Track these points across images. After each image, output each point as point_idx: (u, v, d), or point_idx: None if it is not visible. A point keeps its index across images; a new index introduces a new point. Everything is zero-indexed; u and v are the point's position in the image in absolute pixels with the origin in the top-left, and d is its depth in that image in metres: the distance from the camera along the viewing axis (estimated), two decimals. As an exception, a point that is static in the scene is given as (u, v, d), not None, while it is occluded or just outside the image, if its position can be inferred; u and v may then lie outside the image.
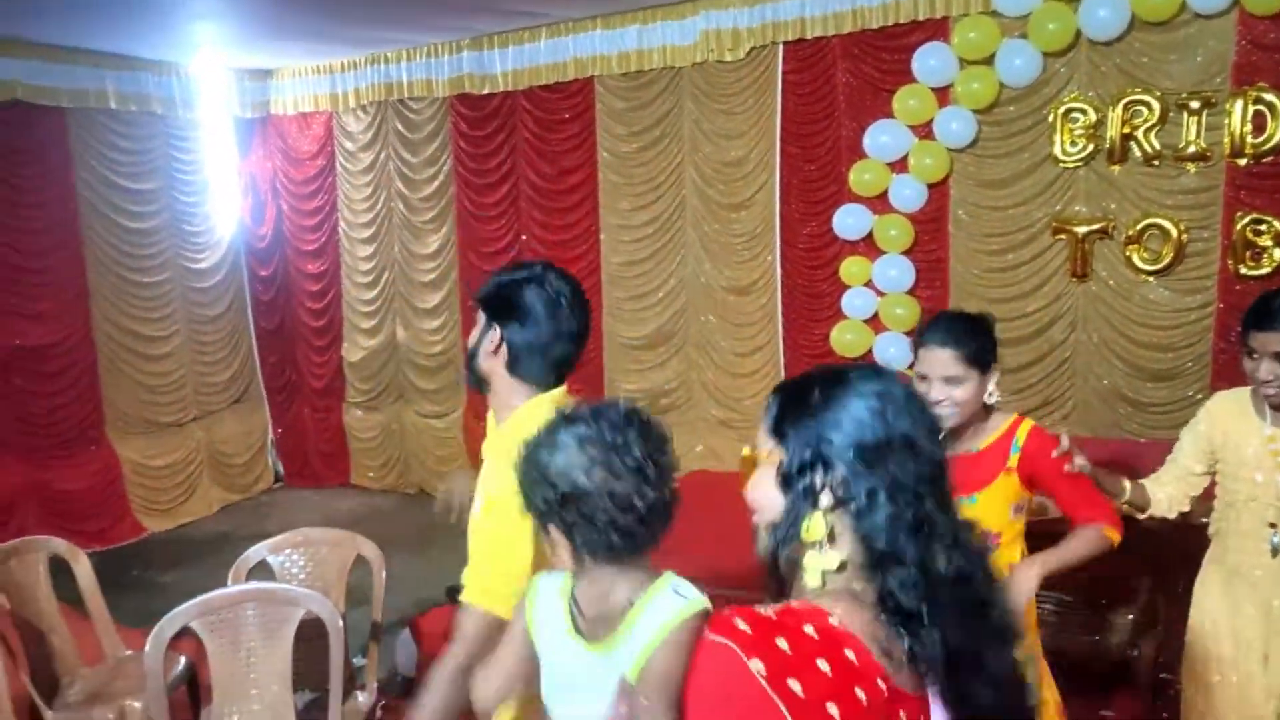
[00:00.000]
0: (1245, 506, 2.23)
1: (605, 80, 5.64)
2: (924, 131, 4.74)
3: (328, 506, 6.50)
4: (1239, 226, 4.11)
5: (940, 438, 1.07)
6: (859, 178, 4.90)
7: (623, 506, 1.18)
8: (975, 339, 2.05)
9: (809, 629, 0.96)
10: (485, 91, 6.00)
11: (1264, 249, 4.08)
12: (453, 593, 3.82)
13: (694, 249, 5.59)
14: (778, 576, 1.07)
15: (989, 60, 4.51)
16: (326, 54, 6.32)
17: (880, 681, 0.97)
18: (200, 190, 6.56)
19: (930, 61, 4.63)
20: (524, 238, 6.12)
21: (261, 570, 2.99)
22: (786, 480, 1.04)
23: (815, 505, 1.02)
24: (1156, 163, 4.27)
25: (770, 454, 1.07)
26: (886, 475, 1.01)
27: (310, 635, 2.63)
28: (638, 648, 1.15)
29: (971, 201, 4.77)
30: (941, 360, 2.02)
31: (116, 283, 6.04)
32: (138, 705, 2.83)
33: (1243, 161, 4.08)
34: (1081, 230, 4.47)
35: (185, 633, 2.50)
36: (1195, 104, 4.13)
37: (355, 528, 3.42)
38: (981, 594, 1.03)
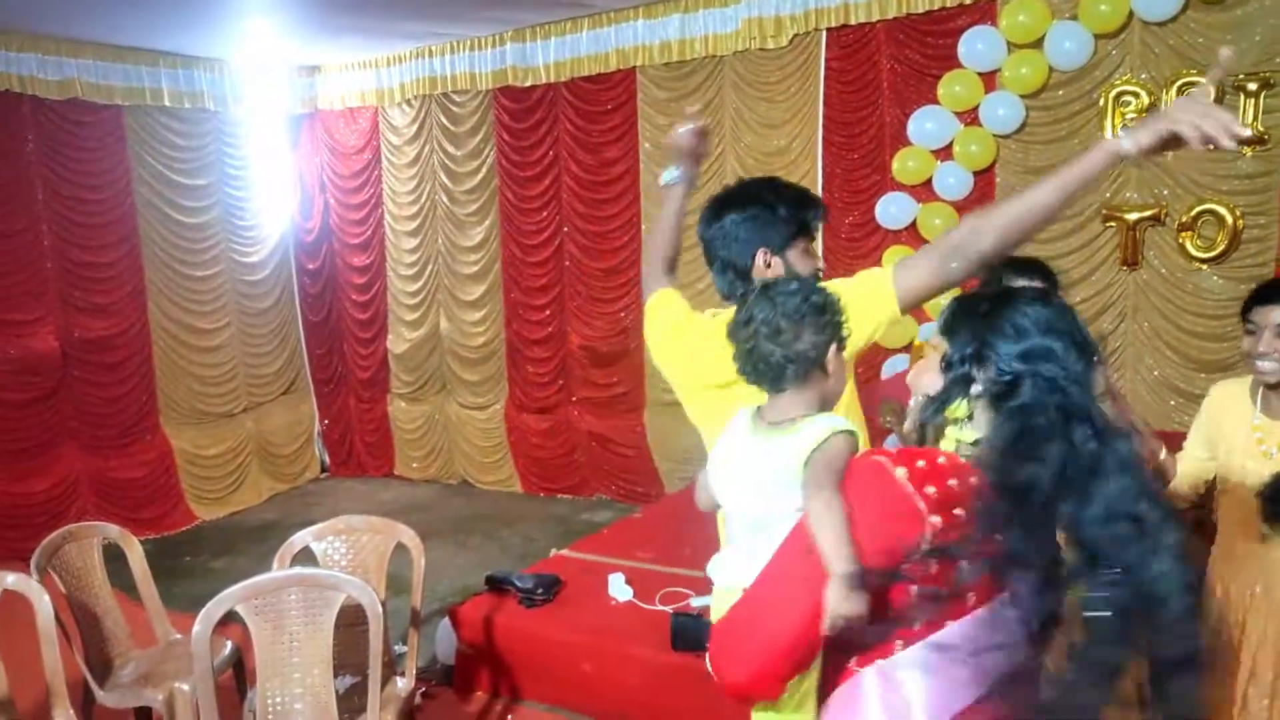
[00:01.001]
0: (1234, 492, 2.19)
1: (647, 70, 5.63)
2: (970, 118, 4.65)
3: (372, 496, 6.61)
4: (1299, 212, 3.98)
5: (1095, 359, 1.21)
6: (903, 166, 4.82)
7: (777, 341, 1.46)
8: None
9: (942, 459, 1.19)
10: (528, 84, 6.02)
11: (1325, 235, 3.95)
12: (492, 581, 3.87)
13: (735, 239, 5.55)
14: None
15: (1038, 43, 4.42)
16: (372, 49, 6.40)
17: None
18: (251, 185, 6.69)
19: (977, 46, 4.54)
20: (566, 229, 6.14)
21: (305, 556, 3.05)
22: (948, 367, 1.25)
23: (967, 391, 1.22)
24: (1211, 147, 4.13)
25: (936, 346, 1.28)
26: (1031, 373, 1.18)
27: (351, 621, 2.68)
28: (806, 446, 1.40)
29: (1018, 189, 4.66)
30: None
31: (171, 277, 6.20)
32: (185, 687, 2.90)
33: (1303, 144, 3.95)
34: (1132, 217, 4.36)
35: (233, 618, 2.56)
36: (1253, 85, 4.00)
37: (398, 517, 3.47)
38: (1115, 484, 1.13)
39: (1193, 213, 4.21)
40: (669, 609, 3.46)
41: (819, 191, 5.21)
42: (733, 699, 1.27)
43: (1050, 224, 1.66)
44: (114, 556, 3.23)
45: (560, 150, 6.06)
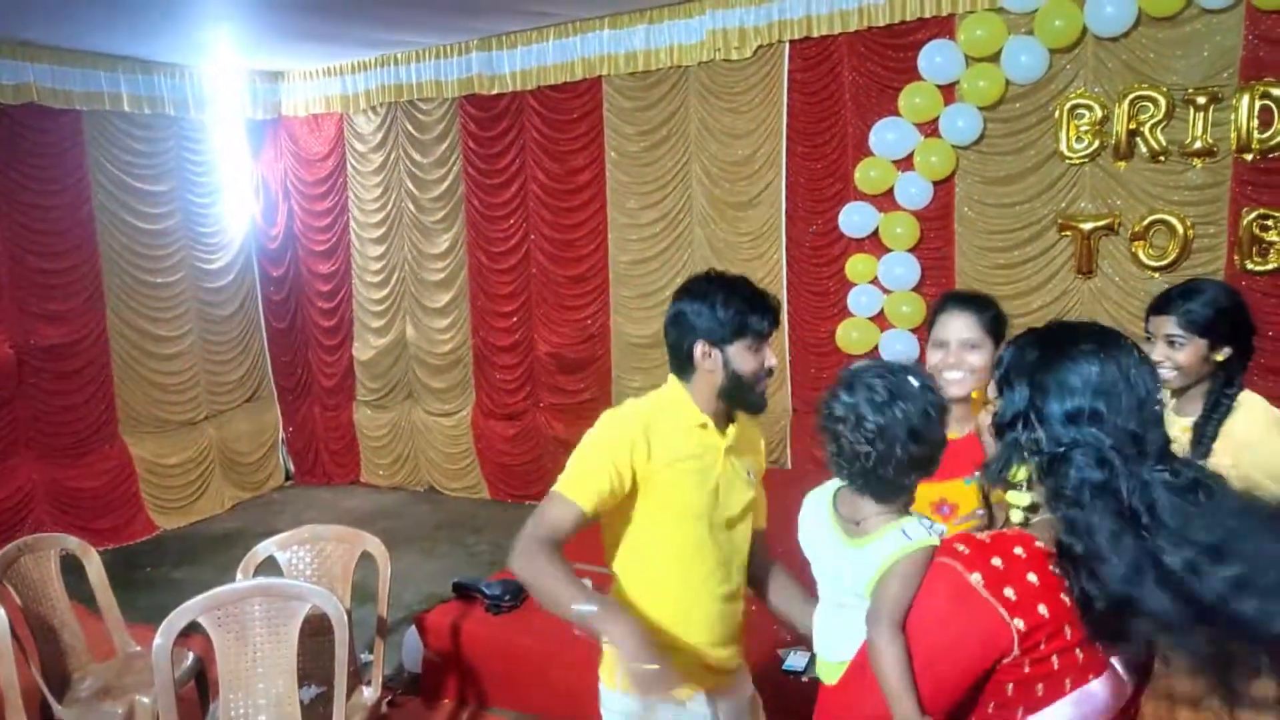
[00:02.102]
0: None
1: (613, 80, 5.67)
2: (930, 129, 4.74)
3: (337, 504, 6.56)
4: (1246, 222, 4.10)
5: (1157, 407, 1.15)
6: (865, 175, 4.90)
7: (869, 442, 1.36)
8: (990, 308, 2.12)
9: (1018, 550, 1.15)
10: (494, 92, 6.03)
11: (1271, 244, 4.07)
12: (459, 588, 3.87)
13: (701, 247, 5.61)
14: (989, 509, 1.38)
15: (995, 57, 4.51)
16: (337, 55, 6.37)
17: None
18: (213, 192, 6.63)
19: (936, 59, 4.63)
20: (532, 237, 6.15)
21: (269, 566, 3.03)
22: (999, 429, 1.21)
23: (1021, 455, 1.18)
24: (1163, 159, 4.26)
25: (990, 403, 1.25)
26: (1075, 442, 1.12)
27: (317, 630, 2.67)
28: (871, 570, 1.33)
29: (977, 198, 4.77)
30: (960, 323, 2.08)
31: (130, 283, 6.11)
32: (146, 700, 2.87)
33: (1249, 157, 4.07)
34: (1087, 226, 4.47)
35: (196, 629, 2.54)
36: (1202, 99, 4.11)
37: (364, 525, 3.46)
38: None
39: (1145, 222, 4.32)
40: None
41: (783, 199, 5.28)
42: None
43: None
44: (72, 568, 3.19)
45: (527, 158, 6.07)
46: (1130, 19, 4.19)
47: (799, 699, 2.94)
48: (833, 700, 1.32)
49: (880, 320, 5.01)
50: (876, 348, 5.01)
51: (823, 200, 5.14)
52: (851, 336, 5.07)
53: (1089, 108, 4.37)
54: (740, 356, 1.92)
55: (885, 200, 4.91)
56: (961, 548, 1.17)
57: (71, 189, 5.78)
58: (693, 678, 1.94)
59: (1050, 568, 1.13)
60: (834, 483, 1.50)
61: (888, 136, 4.80)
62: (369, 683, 3.01)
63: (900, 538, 1.33)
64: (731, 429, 2.00)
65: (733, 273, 2.02)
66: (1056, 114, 4.46)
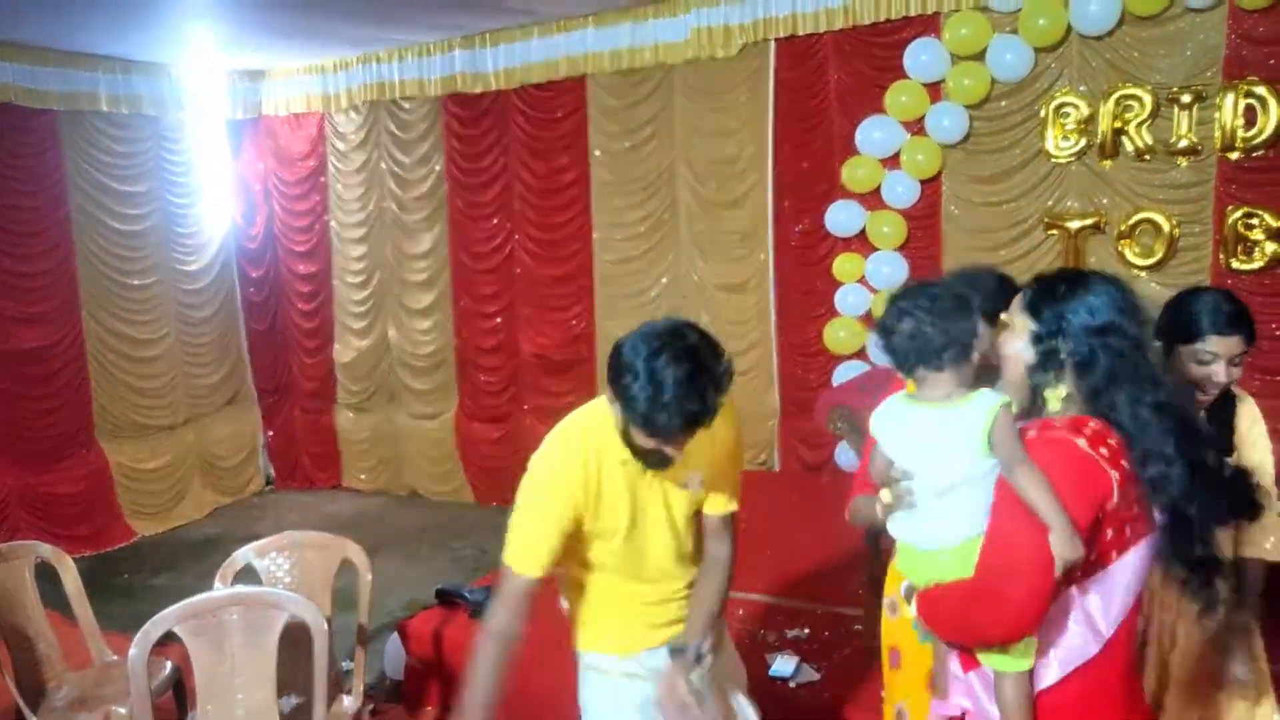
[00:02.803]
0: None
1: (597, 78, 5.62)
2: (916, 127, 4.72)
3: (319, 509, 6.48)
4: (1230, 220, 4.10)
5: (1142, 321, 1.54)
6: (851, 174, 4.88)
7: (930, 332, 1.58)
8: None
9: (1094, 424, 1.50)
10: (477, 91, 5.98)
11: (1255, 243, 4.07)
12: (442, 595, 3.81)
13: (687, 247, 5.57)
14: (1032, 406, 1.59)
15: (980, 56, 4.50)
16: (318, 54, 6.30)
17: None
18: (191, 192, 6.54)
19: (922, 57, 4.61)
20: (516, 237, 6.10)
21: (248, 574, 2.97)
22: (1038, 339, 1.55)
23: (1057, 361, 1.53)
24: (1148, 157, 4.26)
25: (1020, 324, 1.58)
26: (1104, 345, 1.49)
27: (296, 639, 2.61)
28: (982, 418, 1.51)
29: (964, 197, 4.76)
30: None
31: (107, 286, 6.02)
32: (123, 710, 2.80)
33: (1234, 155, 4.07)
34: (1074, 225, 4.46)
35: (174, 638, 2.48)
36: (1186, 98, 4.11)
37: (346, 530, 3.40)
38: (1183, 417, 1.51)
39: (1131, 221, 4.32)
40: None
41: (770, 199, 5.25)
42: (990, 643, 1.53)
43: None
44: (49, 576, 3.12)
45: (510, 158, 6.02)
46: (1114, 18, 4.19)
47: (786, 704, 2.91)
48: (983, 590, 1.49)
49: (868, 320, 4.99)
50: (864, 348, 4.99)
51: (809, 199, 5.12)
52: (839, 336, 5.04)
53: (1074, 106, 4.37)
54: (638, 433, 1.76)
55: (872, 199, 4.89)
56: (1059, 423, 1.51)
57: (48, 190, 5.69)
58: (632, 640, 2.03)
59: (1110, 440, 1.47)
60: (894, 397, 1.68)
61: (874, 135, 4.78)
62: (350, 691, 2.95)
63: (993, 395, 1.56)
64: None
65: (694, 341, 1.74)
66: (1042, 113, 4.46)
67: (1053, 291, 1.55)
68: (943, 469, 1.58)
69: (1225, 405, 2.11)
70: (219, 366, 6.74)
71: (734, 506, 2.04)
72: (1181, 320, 2.03)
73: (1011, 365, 1.61)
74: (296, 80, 6.64)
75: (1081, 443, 1.46)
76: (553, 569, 1.90)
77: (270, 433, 7.05)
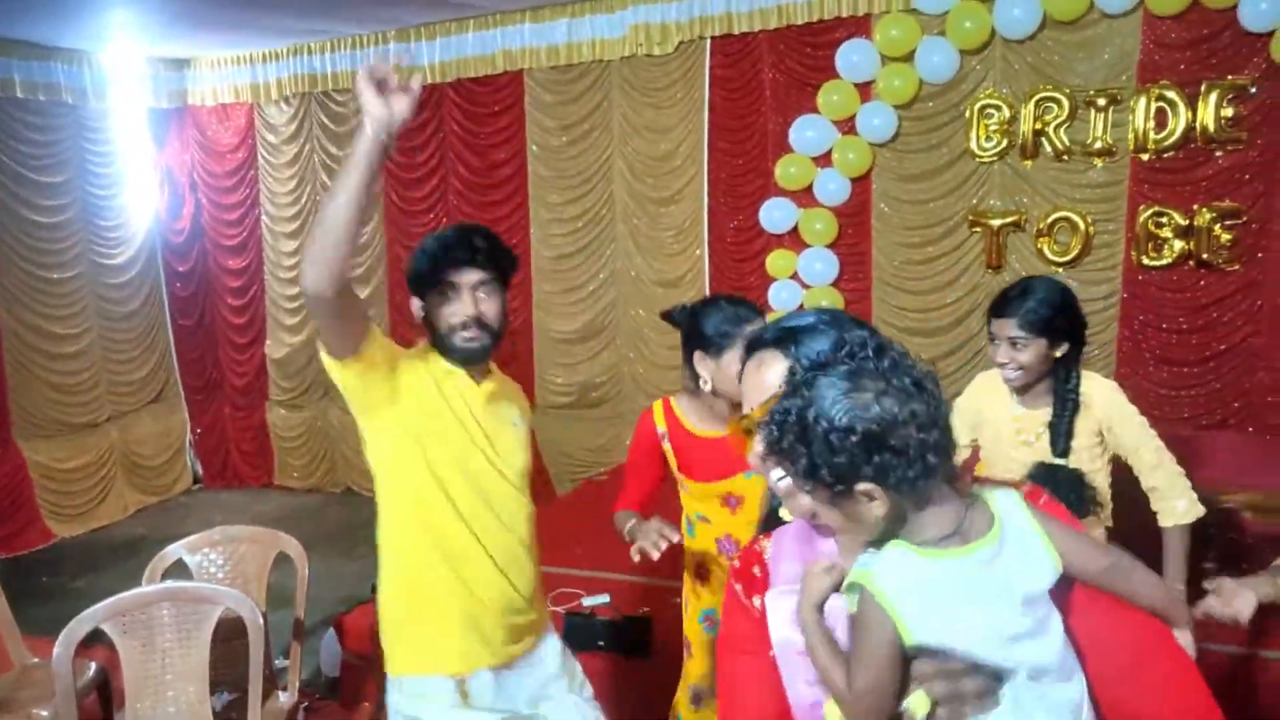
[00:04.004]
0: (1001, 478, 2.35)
1: (534, 73, 5.62)
2: (847, 127, 4.83)
3: (250, 507, 6.35)
4: (1142, 219, 4.30)
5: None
6: (785, 172, 4.97)
7: (925, 424, 1.03)
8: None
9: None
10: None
11: (1165, 240, 4.27)
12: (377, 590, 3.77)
13: (624, 243, 5.61)
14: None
15: (909, 57, 4.62)
16: (246, 44, 6.16)
17: None
18: (114, 183, 6.34)
19: (853, 58, 4.72)
20: (452, 232, 6.05)
21: (178, 570, 2.91)
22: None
23: None
24: (1066, 158, 4.43)
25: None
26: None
27: (230, 635, 2.57)
28: (1030, 530, 1.08)
29: (893, 195, 4.88)
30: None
31: (24, 279, 5.80)
32: (45, 713, 2.73)
33: (1145, 156, 4.27)
34: (996, 223, 4.62)
35: (97, 640, 2.42)
36: (1102, 101, 4.29)
37: (280, 527, 3.34)
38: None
39: (1049, 219, 4.49)
40: (561, 609, 3.46)
41: (705, 195, 5.31)
42: None
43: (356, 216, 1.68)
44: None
45: (447, 152, 5.97)
46: (1036, 22, 4.34)
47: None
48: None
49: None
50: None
51: (744, 196, 5.19)
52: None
53: (997, 108, 4.52)
54: (435, 308, 1.92)
55: (805, 196, 4.98)
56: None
57: (-41, 180, 5.46)
58: (471, 652, 1.94)
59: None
60: (894, 554, 1.08)
61: (807, 133, 4.87)
62: (285, 688, 2.91)
63: (1004, 491, 1.14)
64: (494, 375, 2.04)
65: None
66: (967, 113, 4.60)
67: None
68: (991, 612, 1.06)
69: (1065, 406, 2.23)
70: (144, 362, 6.54)
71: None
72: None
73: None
74: (224, 70, 6.48)
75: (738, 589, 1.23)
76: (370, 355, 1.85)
77: (198, 430, 6.87)
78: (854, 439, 1.01)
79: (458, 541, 1.94)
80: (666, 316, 2.26)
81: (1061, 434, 2.19)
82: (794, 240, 5.06)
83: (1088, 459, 2.25)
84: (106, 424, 6.27)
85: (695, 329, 2.14)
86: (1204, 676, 1.10)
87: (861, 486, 1.03)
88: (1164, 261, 4.27)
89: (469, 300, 1.89)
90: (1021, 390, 2.27)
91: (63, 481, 5.92)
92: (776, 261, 5.08)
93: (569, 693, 2.10)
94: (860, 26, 4.76)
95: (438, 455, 1.92)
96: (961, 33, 4.48)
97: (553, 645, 2.12)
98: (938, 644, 1.04)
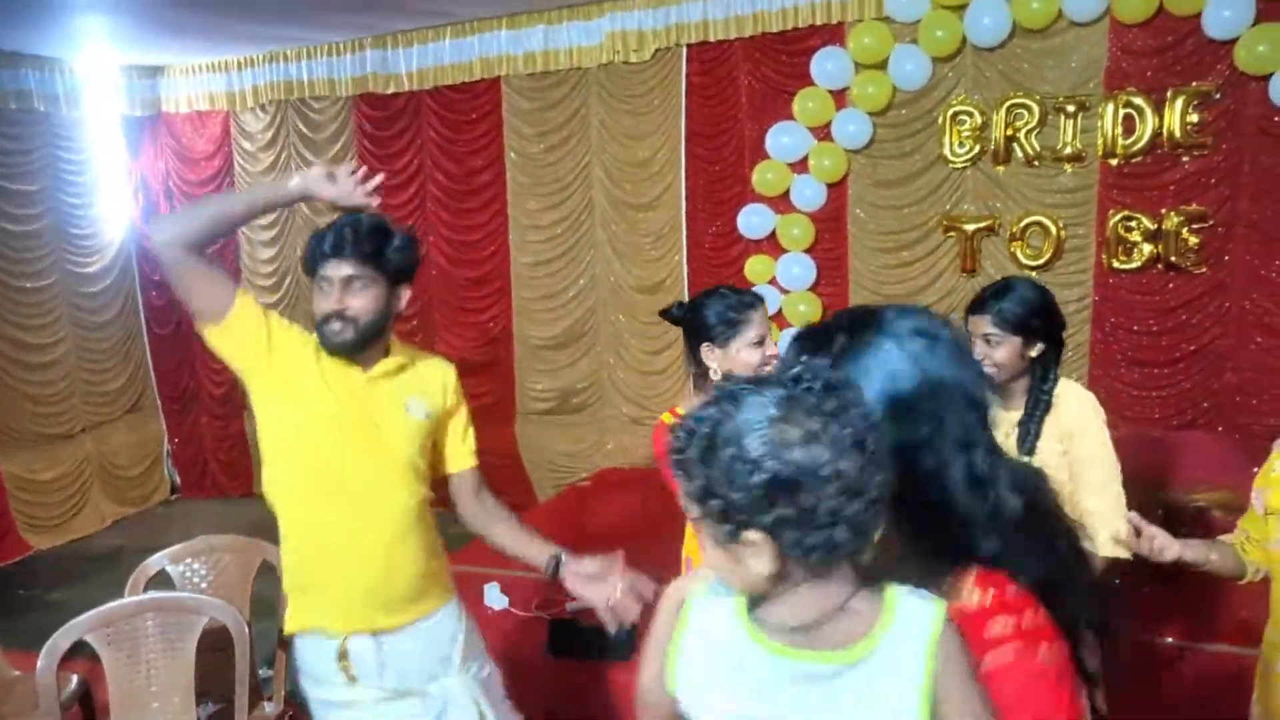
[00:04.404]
0: None
1: (512, 80, 5.64)
2: (823, 133, 4.89)
3: (230, 517, 6.28)
4: (1112, 223, 4.38)
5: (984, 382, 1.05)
6: (762, 178, 5.02)
7: (848, 489, 0.86)
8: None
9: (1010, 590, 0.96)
10: (390, 91, 5.92)
11: (1134, 244, 4.36)
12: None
13: (603, 249, 5.63)
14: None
15: (883, 65, 4.69)
16: (220, 51, 6.14)
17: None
18: (87, 192, 6.29)
19: (827, 65, 4.78)
20: (431, 238, 6.06)
21: (161, 580, 2.90)
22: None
23: None
24: (1037, 163, 4.51)
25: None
26: (925, 428, 0.92)
27: (214, 645, 2.57)
28: (913, 666, 0.89)
29: (868, 201, 4.95)
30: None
31: (-4, 288, 5.75)
32: (28, 726, 2.71)
33: (1114, 162, 4.35)
34: (970, 228, 4.69)
35: (79, 651, 2.41)
36: (1071, 107, 4.38)
37: (261, 537, 3.34)
38: (1049, 527, 1.03)
39: (1022, 224, 4.56)
40: (545, 615, 3.48)
41: (683, 201, 5.35)
42: None
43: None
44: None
45: (425, 159, 5.98)
46: (1006, 30, 4.42)
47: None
48: None
49: (779, 319, 5.13)
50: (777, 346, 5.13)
51: (722, 202, 5.24)
52: (751, 335, 5.17)
53: (970, 114, 4.59)
54: (313, 299, 1.96)
55: (781, 202, 5.04)
56: (1001, 626, 0.93)
57: (-71, 188, 5.40)
58: (350, 616, 1.96)
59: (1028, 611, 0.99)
60: (699, 598, 0.99)
61: (783, 140, 4.93)
62: (270, 698, 2.91)
63: (922, 598, 0.93)
64: (383, 363, 1.99)
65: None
66: (940, 120, 4.67)
67: (823, 348, 0.99)
68: None
69: (1037, 405, 2.25)
70: (120, 372, 6.49)
71: (475, 461, 2.17)
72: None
73: None
74: (198, 78, 6.45)
75: (1043, 653, 0.92)
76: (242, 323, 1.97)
77: (175, 440, 6.82)
78: (759, 477, 0.85)
79: (326, 515, 1.98)
80: (665, 314, 2.26)
81: (1030, 433, 2.21)
82: (772, 245, 5.11)
83: (1053, 465, 2.22)
84: (82, 434, 6.21)
85: (699, 321, 2.14)
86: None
87: (749, 535, 0.87)
88: (1134, 265, 4.36)
89: (335, 294, 1.90)
90: (1002, 392, 2.29)
91: (38, 493, 5.86)
92: (755, 266, 5.13)
93: (462, 673, 2.08)
94: (834, 34, 4.82)
95: (307, 425, 1.95)
96: (933, 41, 4.55)
97: (448, 620, 2.09)
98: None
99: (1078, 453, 2.24)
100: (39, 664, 2.28)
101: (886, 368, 0.94)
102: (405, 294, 2.01)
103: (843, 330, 0.97)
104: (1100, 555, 2.14)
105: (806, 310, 5.02)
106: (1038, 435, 2.23)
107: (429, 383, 2.08)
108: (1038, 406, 2.24)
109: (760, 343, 2.11)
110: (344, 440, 1.95)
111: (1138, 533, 1.92)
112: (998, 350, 2.20)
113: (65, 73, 5.97)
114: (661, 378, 5.57)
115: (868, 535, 0.89)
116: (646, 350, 5.61)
